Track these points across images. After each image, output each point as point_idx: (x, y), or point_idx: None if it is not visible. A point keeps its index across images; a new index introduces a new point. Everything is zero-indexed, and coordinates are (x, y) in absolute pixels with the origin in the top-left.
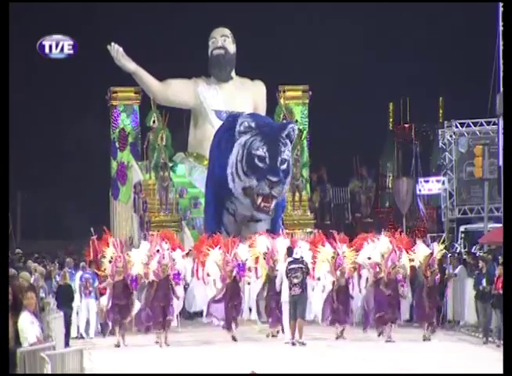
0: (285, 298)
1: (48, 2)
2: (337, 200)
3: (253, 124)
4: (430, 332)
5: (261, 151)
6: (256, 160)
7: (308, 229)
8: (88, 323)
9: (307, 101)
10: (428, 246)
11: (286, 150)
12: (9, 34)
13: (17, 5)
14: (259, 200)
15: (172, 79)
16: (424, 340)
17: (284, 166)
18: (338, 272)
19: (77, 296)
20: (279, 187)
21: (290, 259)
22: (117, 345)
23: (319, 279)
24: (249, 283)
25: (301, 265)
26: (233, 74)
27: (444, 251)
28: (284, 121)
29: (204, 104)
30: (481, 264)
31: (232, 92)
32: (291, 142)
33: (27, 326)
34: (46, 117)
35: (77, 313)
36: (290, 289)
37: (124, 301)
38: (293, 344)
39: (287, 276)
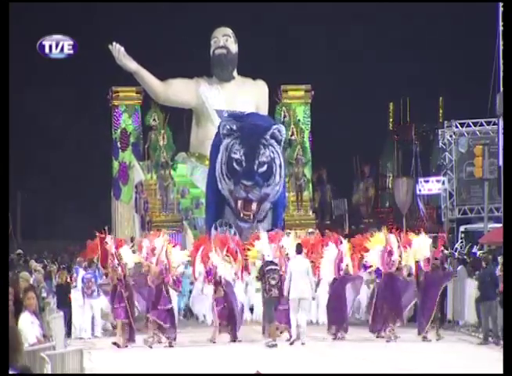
0: (294, 295)
1: (48, 2)
2: (337, 211)
3: (234, 127)
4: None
5: (238, 154)
6: (234, 164)
7: (310, 229)
8: (92, 322)
9: (309, 101)
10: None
11: (268, 151)
12: (9, 34)
13: (17, 5)
14: (239, 204)
15: (174, 79)
16: (423, 340)
17: (263, 169)
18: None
19: (79, 296)
20: (256, 191)
21: (266, 261)
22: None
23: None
24: (247, 285)
25: (277, 267)
26: (235, 73)
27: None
28: (271, 122)
29: (206, 104)
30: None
31: (234, 92)
32: (279, 142)
33: (27, 326)
34: (47, 117)
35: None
36: (270, 290)
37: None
38: (276, 345)
39: (264, 278)
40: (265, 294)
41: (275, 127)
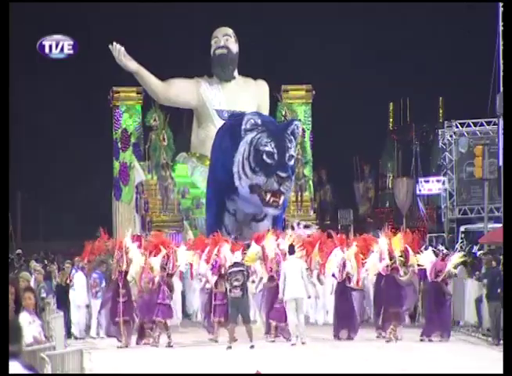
0: (288, 296)
1: (48, 2)
2: (343, 221)
3: (259, 121)
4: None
5: (270, 147)
6: (264, 156)
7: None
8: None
9: (310, 100)
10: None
11: (292, 146)
12: (9, 34)
13: (17, 5)
14: (268, 196)
15: (174, 79)
16: (422, 340)
17: (291, 162)
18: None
19: (78, 297)
20: (288, 183)
21: (233, 262)
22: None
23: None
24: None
25: (241, 268)
26: (236, 73)
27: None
28: (288, 119)
29: (207, 104)
30: (493, 264)
31: (235, 92)
32: (295, 139)
33: (24, 326)
34: (47, 117)
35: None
36: (231, 291)
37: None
38: (230, 347)
39: (228, 279)
40: (228, 295)
41: (295, 123)
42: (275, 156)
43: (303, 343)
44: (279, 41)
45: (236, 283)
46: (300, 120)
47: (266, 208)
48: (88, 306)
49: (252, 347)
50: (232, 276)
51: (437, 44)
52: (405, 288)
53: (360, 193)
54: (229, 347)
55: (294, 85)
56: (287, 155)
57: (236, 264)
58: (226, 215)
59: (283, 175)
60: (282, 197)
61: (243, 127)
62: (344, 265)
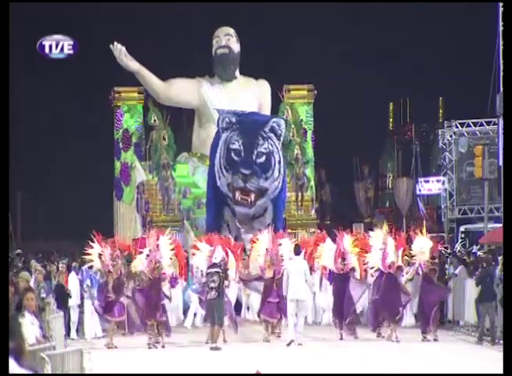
0: (291, 296)
1: (48, 2)
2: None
3: (233, 120)
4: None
5: (237, 145)
6: (232, 154)
7: (312, 229)
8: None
9: (312, 100)
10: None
11: (267, 143)
12: (9, 34)
13: (17, 5)
14: (237, 194)
15: (176, 78)
16: (423, 340)
17: (261, 159)
18: (340, 263)
19: (74, 297)
20: (254, 180)
21: (212, 263)
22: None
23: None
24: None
25: (218, 270)
26: (237, 73)
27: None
28: (271, 116)
29: (208, 104)
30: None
31: (236, 92)
32: (278, 137)
33: (26, 326)
34: (47, 117)
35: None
36: (208, 293)
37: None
38: (217, 348)
39: (206, 281)
40: (205, 297)
41: (274, 120)
42: (242, 153)
43: (299, 344)
44: (279, 41)
45: (212, 285)
46: (302, 120)
47: (237, 207)
48: (79, 306)
49: (214, 348)
50: (208, 278)
51: (437, 44)
52: (400, 288)
53: (360, 193)
54: (217, 348)
55: (296, 85)
56: (255, 152)
57: (213, 265)
58: (227, 213)
59: (246, 172)
60: (252, 195)
61: (220, 126)
62: (342, 258)
